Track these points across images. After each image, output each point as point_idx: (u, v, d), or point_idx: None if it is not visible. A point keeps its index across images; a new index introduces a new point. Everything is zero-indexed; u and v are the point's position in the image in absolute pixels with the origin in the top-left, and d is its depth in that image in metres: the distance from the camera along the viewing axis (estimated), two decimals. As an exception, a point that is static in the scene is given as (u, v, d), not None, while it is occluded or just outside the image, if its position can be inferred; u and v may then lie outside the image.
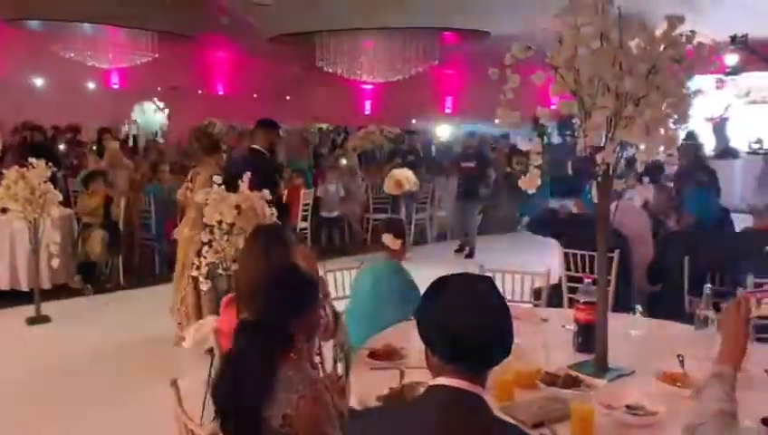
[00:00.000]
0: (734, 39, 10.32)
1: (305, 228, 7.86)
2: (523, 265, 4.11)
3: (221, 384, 1.91)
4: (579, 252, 4.21)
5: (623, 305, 4.24)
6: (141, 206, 7.18)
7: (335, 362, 2.80)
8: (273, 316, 1.97)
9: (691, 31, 2.47)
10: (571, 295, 4.30)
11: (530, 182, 2.59)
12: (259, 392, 1.84)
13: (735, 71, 11.74)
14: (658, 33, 2.35)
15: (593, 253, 4.13)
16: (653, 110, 2.34)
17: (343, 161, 9.25)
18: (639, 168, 2.50)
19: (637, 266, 4.44)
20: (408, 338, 2.75)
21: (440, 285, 1.51)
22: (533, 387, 2.31)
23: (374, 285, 3.17)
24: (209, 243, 3.68)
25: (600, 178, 2.51)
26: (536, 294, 3.98)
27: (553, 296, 4.05)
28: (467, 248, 8.36)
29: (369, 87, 17.11)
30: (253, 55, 16.12)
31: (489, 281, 1.55)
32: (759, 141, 12.17)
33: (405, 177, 7.60)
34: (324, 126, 14.42)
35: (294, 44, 13.74)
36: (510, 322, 1.49)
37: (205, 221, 3.70)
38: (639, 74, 2.29)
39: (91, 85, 15.06)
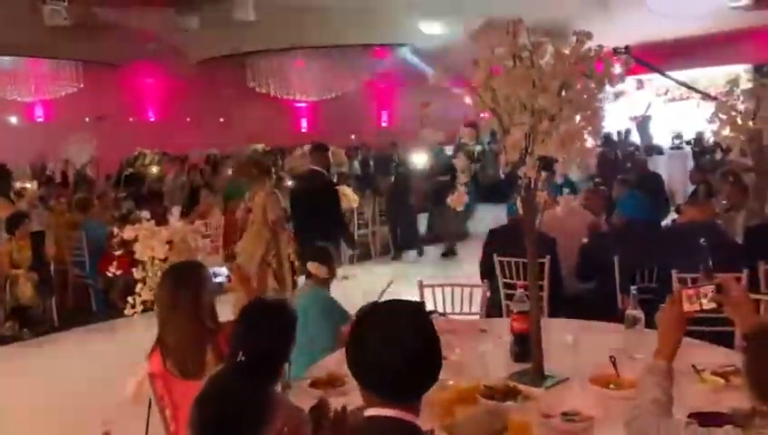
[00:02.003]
0: (615, 51, 10.93)
1: (246, 253, 7.75)
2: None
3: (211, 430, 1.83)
4: (513, 259, 4.31)
5: (559, 309, 4.36)
6: (73, 243, 6.93)
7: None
8: (262, 352, 1.94)
9: (599, 45, 2.59)
10: (508, 302, 4.39)
11: (457, 200, 2.65)
12: (258, 429, 1.79)
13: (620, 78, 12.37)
14: (567, 50, 2.45)
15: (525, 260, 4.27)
16: (567, 124, 2.44)
17: (288, 182, 9.18)
18: (559, 179, 2.57)
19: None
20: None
21: (365, 316, 1.53)
22: (474, 402, 2.35)
23: (302, 315, 3.14)
24: (143, 280, 3.59)
25: (522, 192, 2.60)
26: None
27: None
28: (447, 248, 8.90)
29: (304, 105, 17.07)
30: (183, 79, 15.85)
31: (415, 309, 1.56)
32: (680, 137, 12.75)
33: (344, 194, 7.60)
34: (260, 147, 14.29)
35: (225, 67, 13.64)
36: (436, 349, 1.50)
37: (136, 257, 3.61)
38: (552, 91, 2.38)
39: (13, 120, 14.49)
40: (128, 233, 3.57)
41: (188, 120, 17.18)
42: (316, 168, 5.94)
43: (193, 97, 16.41)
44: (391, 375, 1.44)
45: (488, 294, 4.09)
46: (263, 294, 4.79)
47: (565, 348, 2.80)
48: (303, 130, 18.15)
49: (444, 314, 3.66)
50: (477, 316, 3.89)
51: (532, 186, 2.57)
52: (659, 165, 12.12)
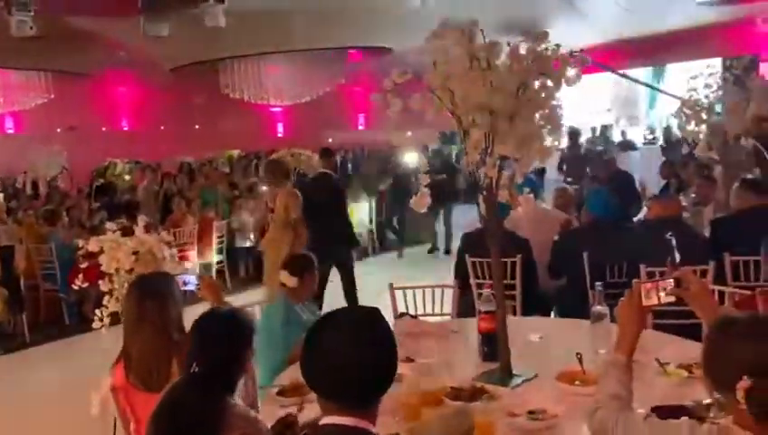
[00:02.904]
0: (571, 54, 11.11)
1: (221, 261, 7.70)
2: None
3: None
4: (485, 260, 4.32)
5: (533, 308, 4.39)
6: (44, 256, 6.82)
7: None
8: (216, 363, 1.91)
9: (556, 44, 2.61)
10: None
11: (419, 202, 2.65)
12: None
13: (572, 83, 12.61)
14: (523, 50, 2.46)
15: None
16: (525, 124, 2.45)
17: (263, 188, 9.14)
18: (519, 179, 2.58)
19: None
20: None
21: (320, 324, 1.52)
22: (440, 404, 2.34)
23: (270, 324, 3.11)
24: (110, 292, 3.53)
25: (484, 192, 2.60)
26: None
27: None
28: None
29: (280, 109, 17.01)
30: (156, 87, 15.73)
31: (370, 315, 1.55)
32: (652, 131, 12.91)
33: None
34: (235, 153, 14.22)
35: (198, 73, 13.53)
36: (391, 355, 1.50)
37: (102, 270, 3.55)
38: (508, 91, 2.39)
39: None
40: (92, 245, 3.52)
41: (162, 128, 17.06)
42: (325, 170, 6.47)
43: (167, 105, 16.28)
44: (344, 383, 1.44)
45: (463, 295, 4.11)
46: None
47: (533, 346, 2.82)
48: (280, 135, 18.09)
49: (415, 316, 3.66)
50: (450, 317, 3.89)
51: (493, 186, 2.58)
52: (633, 161, 12.27)
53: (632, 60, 13.30)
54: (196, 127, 17.74)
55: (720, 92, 5.46)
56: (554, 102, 2.55)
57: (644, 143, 12.79)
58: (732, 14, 11.09)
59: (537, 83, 2.49)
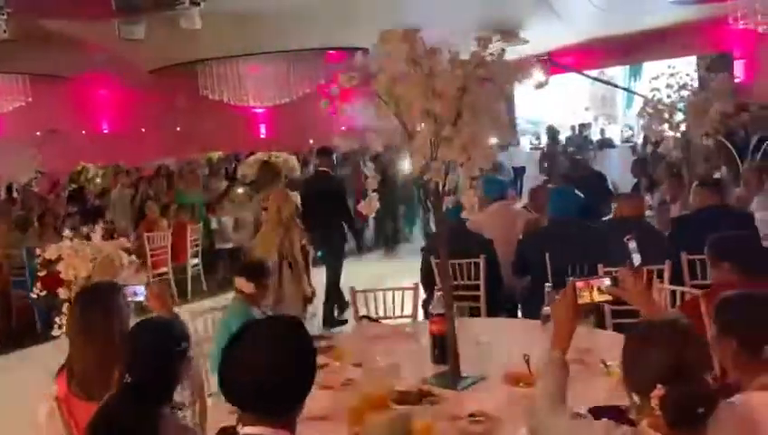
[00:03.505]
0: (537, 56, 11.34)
1: (197, 264, 7.67)
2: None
3: None
4: (451, 261, 4.34)
5: (499, 308, 4.42)
6: (16, 263, 6.77)
7: (189, 406, 2.75)
8: (147, 374, 1.90)
9: (502, 48, 2.63)
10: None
11: (367, 207, 2.67)
12: None
13: (541, 85, 12.77)
14: (465, 55, 2.48)
15: (459, 261, 4.32)
16: (469, 128, 2.47)
17: (239, 190, 9.12)
18: (466, 183, 2.59)
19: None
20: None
21: (236, 337, 1.53)
22: (385, 408, 2.36)
23: (226, 330, 3.11)
24: (69, 300, 3.52)
25: (432, 196, 2.62)
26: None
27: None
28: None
29: (262, 110, 16.96)
30: (136, 89, 15.63)
31: (286, 328, 1.56)
32: (631, 128, 12.98)
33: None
34: (216, 155, 14.16)
35: (178, 75, 13.46)
36: (304, 365, 1.51)
37: (62, 277, 3.54)
38: (449, 97, 2.40)
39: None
40: (50, 253, 3.50)
41: (144, 130, 16.97)
42: (324, 169, 6.83)
43: (148, 107, 16.19)
44: (259, 393, 1.45)
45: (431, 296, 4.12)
46: (278, 286, 5.62)
47: (484, 348, 2.83)
48: (262, 136, 18.04)
49: (375, 320, 3.67)
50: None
51: (440, 190, 2.60)
52: (611, 159, 12.36)
53: (609, 59, 13.40)
54: (178, 129, 17.68)
55: (683, 92, 5.53)
56: (501, 105, 2.57)
57: (621, 142, 12.88)
58: (705, 12, 11.20)
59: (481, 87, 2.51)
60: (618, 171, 11.92)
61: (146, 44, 11.17)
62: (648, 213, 5.41)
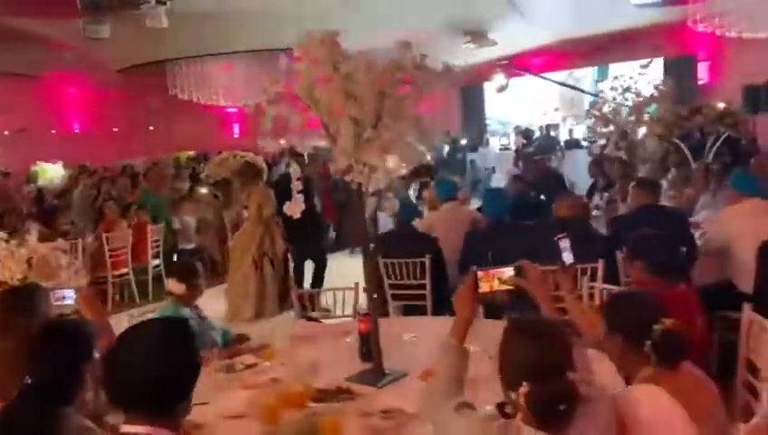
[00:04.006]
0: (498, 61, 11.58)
1: (158, 265, 7.64)
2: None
3: None
4: (395, 260, 4.40)
5: (444, 306, 4.47)
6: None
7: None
8: (49, 376, 1.92)
9: (422, 54, 2.69)
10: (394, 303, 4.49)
11: (293, 208, 2.71)
12: None
13: (502, 88, 13.12)
14: (383, 62, 2.53)
15: (404, 260, 4.38)
16: (388, 131, 2.52)
17: (203, 190, 9.09)
18: (380, 185, 2.64)
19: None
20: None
21: (120, 336, 1.56)
22: (301, 406, 2.40)
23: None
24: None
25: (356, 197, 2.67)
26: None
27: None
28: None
29: (235, 110, 16.90)
30: (106, 88, 15.50)
31: (165, 327, 1.60)
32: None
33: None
34: (185, 155, 14.08)
35: (147, 74, 13.37)
36: (182, 364, 1.55)
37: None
38: (366, 100, 2.45)
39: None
40: (-7, 252, 3.50)
41: (116, 129, 16.84)
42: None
43: (118, 106, 16.07)
44: (136, 393, 1.49)
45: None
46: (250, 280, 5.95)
47: (408, 345, 2.89)
48: (236, 136, 17.98)
49: (316, 319, 3.71)
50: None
51: (364, 191, 2.64)
52: (579, 159, 12.51)
53: (577, 61, 13.56)
54: (151, 128, 17.56)
55: (627, 94, 5.66)
56: (417, 110, 2.62)
57: (589, 142, 13.04)
58: (669, 15, 11.38)
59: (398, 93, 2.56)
60: (584, 171, 12.11)
61: (112, 43, 11.10)
62: (596, 213, 5.53)
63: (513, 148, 12.96)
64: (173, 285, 3.22)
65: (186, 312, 3.23)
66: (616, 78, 5.79)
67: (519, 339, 1.62)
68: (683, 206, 5.84)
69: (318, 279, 6.54)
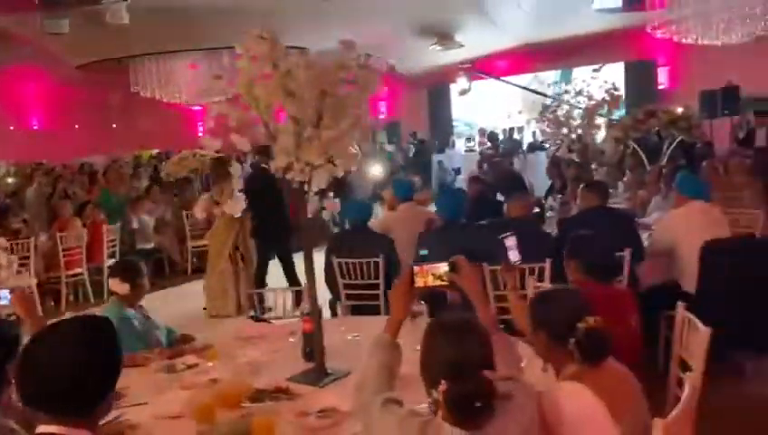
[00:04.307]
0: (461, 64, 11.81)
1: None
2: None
3: None
4: (349, 260, 4.40)
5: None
6: None
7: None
8: None
9: (367, 54, 2.69)
10: (348, 303, 4.49)
11: (232, 206, 2.69)
12: None
13: (464, 92, 13.35)
14: (324, 61, 2.52)
15: (358, 260, 4.38)
16: (329, 131, 2.51)
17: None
18: (321, 184, 2.63)
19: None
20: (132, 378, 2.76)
21: (32, 339, 1.53)
22: (236, 406, 2.38)
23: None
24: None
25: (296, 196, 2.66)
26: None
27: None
28: None
29: (199, 108, 16.71)
30: (68, 85, 15.17)
31: (83, 325, 1.57)
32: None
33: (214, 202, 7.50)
34: (147, 153, 13.87)
35: (110, 71, 13.14)
36: (100, 364, 1.52)
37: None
38: (306, 99, 2.44)
39: None
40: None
41: (77, 126, 16.51)
42: (264, 166, 6.97)
43: (81, 103, 15.75)
44: (50, 393, 1.46)
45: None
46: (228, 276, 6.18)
47: (352, 345, 2.89)
48: (201, 135, 17.77)
49: (264, 320, 3.69)
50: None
51: (305, 190, 2.64)
52: (541, 161, 12.67)
53: (541, 64, 13.75)
54: (113, 126, 17.26)
55: (579, 98, 5.78)
56: (360, 111, 2.62)
57: (552, 145, 13.21)
58: (630, 20, 11.61)
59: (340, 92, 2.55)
60: (544, 173, 12.27)
61: (72, 39, 10.89)
62: (550, 214, 5.61)
63: (477, 150, 13.07)
64: (116, 284, 3.17)
65: (129, 312, 3.18)
66: (569, 82, 5.87)
67: (437, 337, 1.63)
68: (636, 207, 5.97)
69: (289, 277, 6.50)
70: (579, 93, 5.89)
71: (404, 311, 2.01)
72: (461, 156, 14.04)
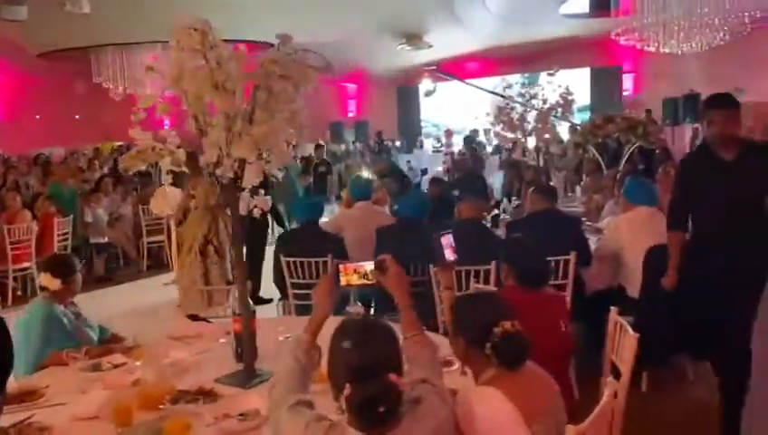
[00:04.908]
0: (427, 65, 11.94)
1: (65, 259, 7.30)
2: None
3: None
4: (297, 259, 4.34)
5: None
6: None
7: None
8: None
9: (304, 49, 2.64)
10: (295, 302, 4.43)
11: (159, 205, 2.62)
12: None
13: (429, 93, 13.47)
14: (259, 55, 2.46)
15: (306, 259, 4.32)
16: (261, 126, 2.45)
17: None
18: (255, 182, 2.57)
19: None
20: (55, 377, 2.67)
21: None
22: (157, 408, 2.31)
23: (27, 328, 2.97)
24: None
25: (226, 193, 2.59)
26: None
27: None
28: None
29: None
30: (30, 74, 14.78)
31: None
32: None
33: (172, 195, 7.36)
34: (109, 145, 13.60)
35: (71, 60, 12.84)
36: None
37: None
38: (234, 92, 2.38)
39: None
40: None
41: (38, 117, 16.10)
42: None
43: (42, 93, 15.37)
44: None
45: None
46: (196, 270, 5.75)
47: (283, 345, 2.82)
48: (166, 127, 17.43)
49: (203, 319, 3.60)
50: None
51: (235, 186, 2.57)
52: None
53: (509, 67, 13.82)
54: (77, 117, 16.88)
55: (534, 101, 5.82)
56: (295, 106, 2.57)
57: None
58: (597, 27, 11.74)
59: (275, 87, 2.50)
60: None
61: (31, 26, 10.61)
62: (503, 216, 5.62)
63: (444, 150, 13.12)
64: (47, 280, 3.06)
65: (58, 309, 3.08)
66: (523, 84, 5.91)
67: (342, 341, 1.58)
68: (591, 212, 6.01)
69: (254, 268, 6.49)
70: (533, 97, 5.91)
71: (326, 310, 1.97)
72: (429, 156, 14.07)
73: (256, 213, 2.60)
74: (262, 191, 2.61)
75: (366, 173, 9.21)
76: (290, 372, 1.81)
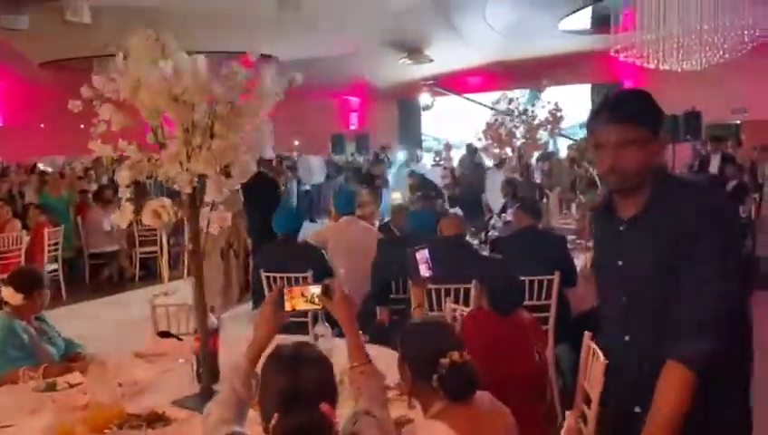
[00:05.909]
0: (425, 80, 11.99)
1: (55, 270, 7.25)
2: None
3: None
4: (277, 274, 4.27)
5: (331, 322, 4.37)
6: None
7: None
8: None
9: (263, 54, 2.59)
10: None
11: (122, 217, 2.55)
12: None
13: (427, 107, 13.47)
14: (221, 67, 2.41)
15: (286, 274, 4.24)
16: (220, 141, 2.39)
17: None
18: (217, 196, 2.50)
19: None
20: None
21: None
22: (103, 433, 2.22)
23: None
24: None
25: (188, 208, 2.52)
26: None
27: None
28: None
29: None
30: (35, 83, 14.87)
31: None
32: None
33: (162, 206, 7.30)
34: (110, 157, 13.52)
35: (76, 70, 12.90)
36: None
37: None
38: (198, 105, 2.32)
39: None
40: None
41: (43, 126, 16.17)
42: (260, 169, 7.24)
43: (47, 101, 15.44)
44: None
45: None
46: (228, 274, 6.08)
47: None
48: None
49: (174, 336, 3.51)
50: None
51: (195, 201, 2.51)
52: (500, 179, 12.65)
53: (510, 83, 13.77)
54: (82, 126, 16.93)
55: (524, 117, 5.73)
56: (259, 121, 2.50)
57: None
58: (597, 43, 11.68)
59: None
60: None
61: (33, 36, 10.67)
62: (492, 233, 5.52)
63: (443, 164, 13.02)
64: (8, 294, 2.99)
65: (19, 324, 3.00)
66: (511, 100, 5.84)
67: (273, 367, 1.50)
68: (585, 229, 5.90)
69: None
70: (523, 113, 5.83)
71: (267, 336, 1.87)
72: (427, 170, 13.98)
73: (215, 229, 2.52)
74: (221, 207, 2.53)
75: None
76: (225, 402, 1.73)
